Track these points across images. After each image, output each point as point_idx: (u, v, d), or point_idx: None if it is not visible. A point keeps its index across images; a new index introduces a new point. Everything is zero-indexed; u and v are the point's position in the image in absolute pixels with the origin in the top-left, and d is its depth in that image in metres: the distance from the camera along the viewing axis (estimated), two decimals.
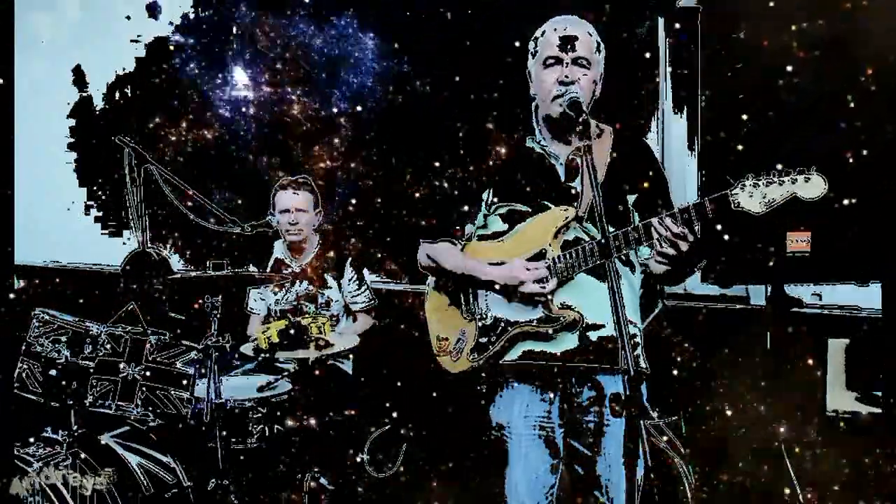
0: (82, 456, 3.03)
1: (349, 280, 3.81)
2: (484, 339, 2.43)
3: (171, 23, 4.66)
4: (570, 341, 2.35)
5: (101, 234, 4.98)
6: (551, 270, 2.33)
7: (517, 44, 2.58)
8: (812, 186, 2.09)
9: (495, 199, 2.46)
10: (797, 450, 3.22)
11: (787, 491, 3.17)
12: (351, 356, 3.75)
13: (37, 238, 4.90)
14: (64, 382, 3.06)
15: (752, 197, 2.12)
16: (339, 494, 3.48)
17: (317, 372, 3.47)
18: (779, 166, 2.11)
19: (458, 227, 2.52)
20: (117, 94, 4.87)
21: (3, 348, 3.13)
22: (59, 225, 5.03)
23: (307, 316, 3.40)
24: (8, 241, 3.33)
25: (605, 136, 2.47)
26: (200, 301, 3.07)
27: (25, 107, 4.71)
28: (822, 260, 3.08)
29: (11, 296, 3.47)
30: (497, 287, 2.39)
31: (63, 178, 5.04)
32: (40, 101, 4.94)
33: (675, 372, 3.46)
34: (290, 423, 3.33)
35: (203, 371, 3.04)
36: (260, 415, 3.27)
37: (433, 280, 2.62)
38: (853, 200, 2.97)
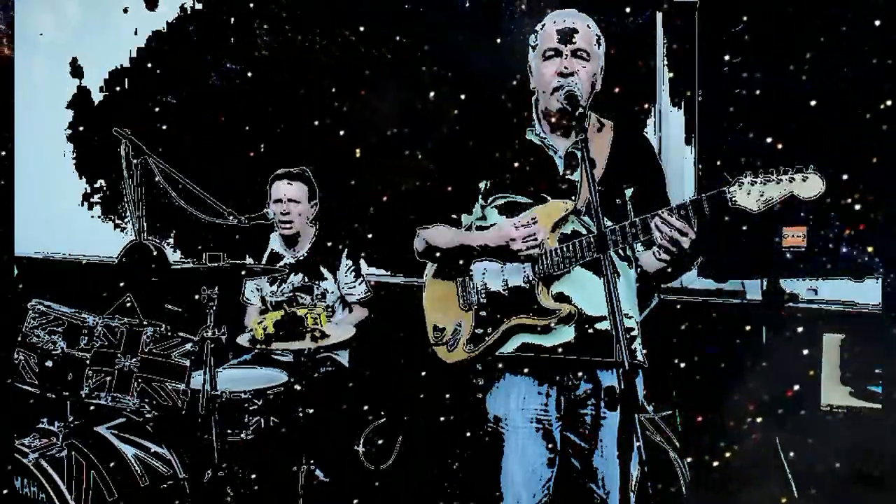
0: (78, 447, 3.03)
1: (345, 271, 3.80)
2: (480, 331, 2.43)
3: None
4: (566, 334, 2.35)
5: (97, 222, 4.98)
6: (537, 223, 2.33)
7: (519, 36, 2.58)
8: (810, 185, 2.08)
9: (494, 191, 2.46)
10: (791, 444, 3.23)
11: (782, 485, 3.18)
12: (347, 347, 3.75)
13: (35, 230, 4.89)
14: (60, 374, 3.06)
15: (750, 195, 2.12)
16: (335, 486, 3.48)
17: (312, 363, 3.47)
18: (774, 166, 2.11)
19: (454, 217, 2.52)
20: (117, 88, 4.86)
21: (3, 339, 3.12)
22: (57, 216, 5.02)
23: (303, 307, 3.39)
24: (8, 232, 3.31)
25: (605, 129, 2.47)
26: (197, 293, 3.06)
27: (24, 99, 4.72)
28: (818, 255, 3.09)
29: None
30: (490, 248, 2.39)
31: (62, 169, 5.03)
32: (39, 94, 4.93)
33: (670, 366, 3.47)
34: (285, 414, 3.32)
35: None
36: (256, 407, 3.27)
37: (431, 270, 2.62)
38: (850, 196, 2.97)
